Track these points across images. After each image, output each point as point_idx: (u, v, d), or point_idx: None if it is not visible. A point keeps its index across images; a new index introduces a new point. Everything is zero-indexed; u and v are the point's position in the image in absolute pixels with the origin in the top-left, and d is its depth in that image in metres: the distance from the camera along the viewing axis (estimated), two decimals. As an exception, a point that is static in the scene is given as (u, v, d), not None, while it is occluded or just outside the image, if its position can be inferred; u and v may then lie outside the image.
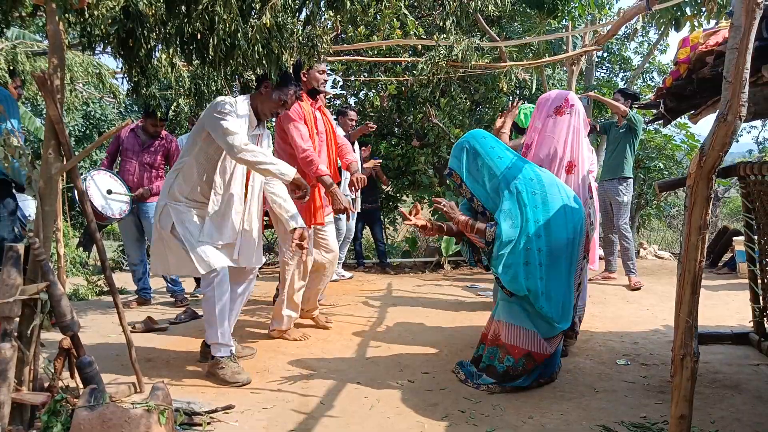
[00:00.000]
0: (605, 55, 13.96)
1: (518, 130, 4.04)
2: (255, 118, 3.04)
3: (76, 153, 2.33)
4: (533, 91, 7.48)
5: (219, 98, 2.92)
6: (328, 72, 3.77)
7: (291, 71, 3.50)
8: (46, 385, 2.17)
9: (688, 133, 8.98)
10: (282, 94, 3.02)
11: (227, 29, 2.43)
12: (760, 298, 3.25)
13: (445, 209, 2.85)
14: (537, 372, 2.72)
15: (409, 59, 6.34)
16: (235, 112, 2.87)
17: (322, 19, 3.22)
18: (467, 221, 2.80)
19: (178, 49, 2.64)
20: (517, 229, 2.61)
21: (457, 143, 2.90)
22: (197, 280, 5.11)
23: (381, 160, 6.62)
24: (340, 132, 4.38)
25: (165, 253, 2.95)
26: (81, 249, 6.88)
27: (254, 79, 3.12)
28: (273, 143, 3.54)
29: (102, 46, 2.58)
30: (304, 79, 3.64)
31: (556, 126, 3.15)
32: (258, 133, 3.10)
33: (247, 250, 3.09)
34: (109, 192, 4.33)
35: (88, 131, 15.78)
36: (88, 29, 2.40)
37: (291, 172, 2.86)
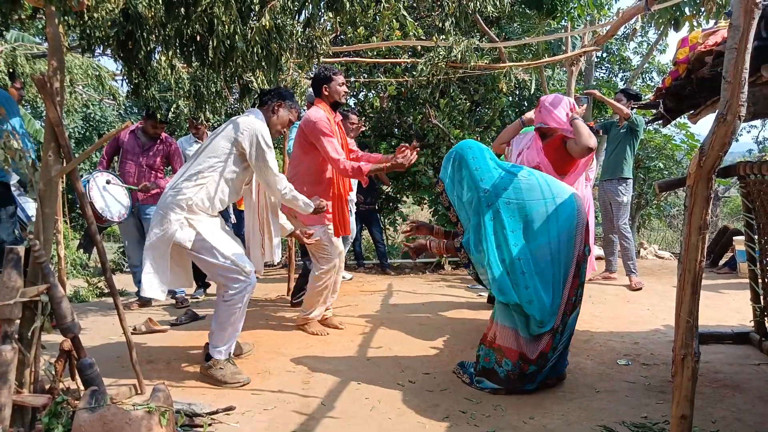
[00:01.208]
0: (604, 55, 13.98)
1: None
2: None
3: (76, 155, 2.33)
4: (533, 92, 7.47)
5: (254, 124, 2.94)
6: (347, 84, 3.83)
7: (311, 84, 3.64)
8: (46, 387, 2.17)
9: (688, 133, 8.99)
10: (291, 115, 3.18)
11: (226, 31, 2.43)
12: (761, 297, 3.25)
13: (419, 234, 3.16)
14: (542, 374, 2.68)
15: (408, 60, 6.34)
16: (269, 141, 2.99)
17: (322, 21, 3.23)
18: (440, 245, 3.02)
19: (178, 51, 2.65)
20: (483, 250, 2.66)
21: (447, 153, 2.97)
22: (198, 283, 5.12)
23: None
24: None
25: (172, 270, 2.92)
26: (81, 251, 6.89)
27: (263, 93, 3.18)
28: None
29: (101, 48, 2.59)
30: (326, 93, 3.67)
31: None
32: None
33: (256, 255, 3.24)
34: (108, 182, 4.35)
35: (87, 133, 15.77)
36: (88, 31, 2.41)
37: (311, 208, 3.29)
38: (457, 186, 2.84)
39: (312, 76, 3.89)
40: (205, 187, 2.88)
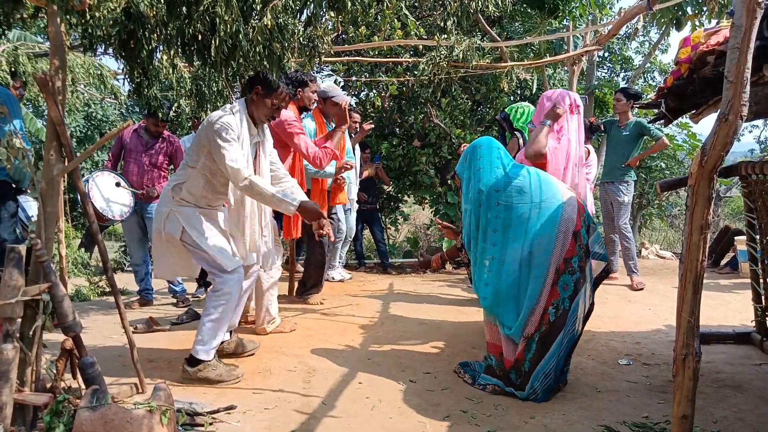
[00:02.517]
0: (606, 54, 13.94)
1: (510, 128, 4.06)
2: (253, 125, 3.01)
3: (78, 154, 2.33)
4: (534, 91, 7.46)
5: (219, 118, 2.83)
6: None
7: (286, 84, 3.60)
8: (48, 386, 2.17)
9: (690, 133, 8.98)
10: (274, 98, 2.99)
11: (228, 30, 2.43)
12: (762, 297, 3.25)
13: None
14: (532, 387, 2.58)
15: (410, 59, 6.33)
16: (237, 135, 2.84)
17: (323, 20, 3.22)
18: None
19: (180, 50, 2.64)
20: (468, 242, 2.80)
21: (466, 148, 3.00)
22: (199, 282, 5.12)
23: (381, 163, 6.67)
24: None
25: (173, 257, 2.99)
26: (83, 250, 6.89)
27: (245, 83, 3.09)
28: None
29: (103, 48, 2.59)
30: (298, 96, 3.85)
31: (578, 124, 3.37)
32: (258, 141, 3.07)
33: (263, 250, 3.16)
34: (118, 185, 4.38)
35: (89, 132, 15.78)
36: (90, 30, 2.40)
37: (292, 206, 2.85)
38: (464, 183, 2.89)
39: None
40: (186, 184, 2.95)
